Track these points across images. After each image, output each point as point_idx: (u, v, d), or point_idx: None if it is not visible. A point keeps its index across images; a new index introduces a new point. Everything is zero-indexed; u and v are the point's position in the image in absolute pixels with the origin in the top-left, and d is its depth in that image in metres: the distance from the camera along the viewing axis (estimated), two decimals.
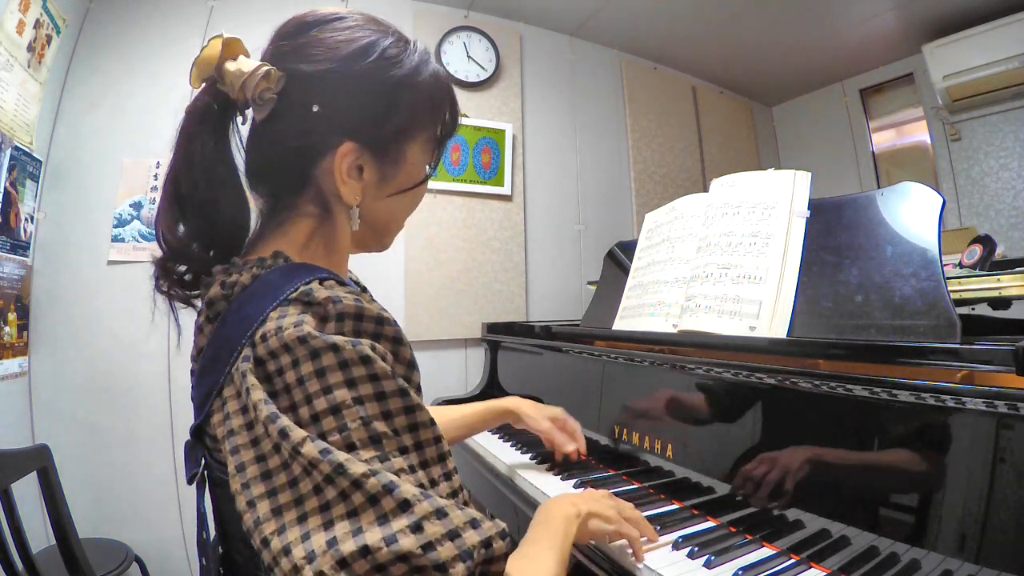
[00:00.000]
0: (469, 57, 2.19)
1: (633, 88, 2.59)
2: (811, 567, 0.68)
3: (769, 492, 0.77)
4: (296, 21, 0.54)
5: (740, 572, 0.66)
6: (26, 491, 0.96)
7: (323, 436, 0.40)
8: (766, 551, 0.73)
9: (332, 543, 0.36)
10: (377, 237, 0.62)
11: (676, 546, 0.74)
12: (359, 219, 0.57)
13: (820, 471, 0.72)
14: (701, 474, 0.90)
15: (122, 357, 1.60)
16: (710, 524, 0.83)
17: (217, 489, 0.51)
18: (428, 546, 0.37)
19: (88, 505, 1.48)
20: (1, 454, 0.93)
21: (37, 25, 1.41)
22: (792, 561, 0.70)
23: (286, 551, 0.37)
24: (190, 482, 0.51)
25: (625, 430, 1.07)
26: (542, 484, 1.01)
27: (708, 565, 0.69)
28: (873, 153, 2.72)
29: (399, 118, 0.54)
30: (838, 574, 0.65)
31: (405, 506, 0.38)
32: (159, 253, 0.53)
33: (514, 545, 0.46)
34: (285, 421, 0.40)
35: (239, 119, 0.55)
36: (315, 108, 0.51)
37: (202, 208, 0.52)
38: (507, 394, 1.68)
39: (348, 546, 0.36)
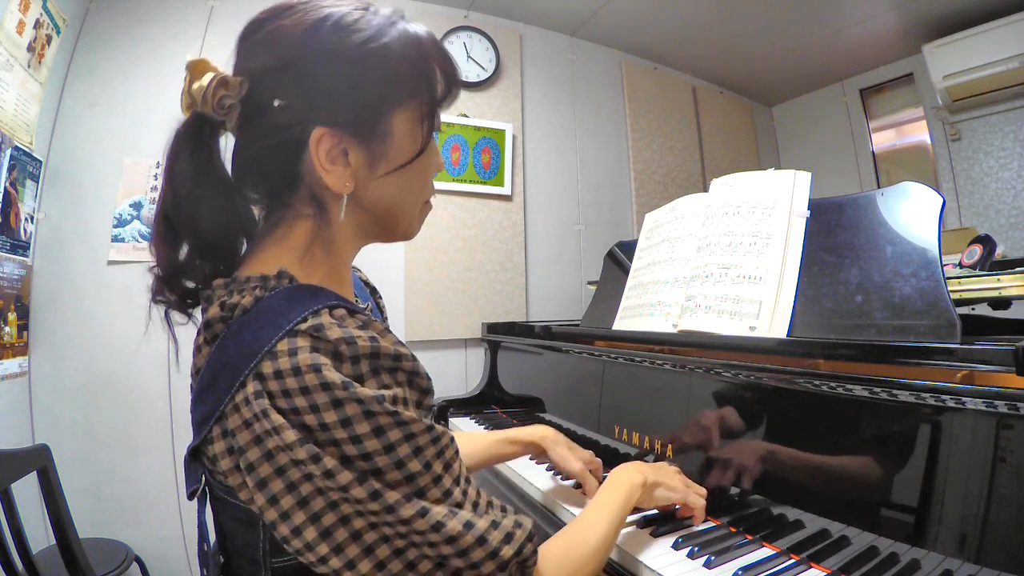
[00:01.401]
0: (469, 57, 2.19)
1: (633, 88, 2.59)
2: (811, 567, 0.68)
3: (769, 492, 0.77)
4: (252, 22, 0.51)
5: (740, 572, 0.66)
6: (26, 491, 0.96)
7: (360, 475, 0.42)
8: (766, 551, 0.73)
9: (399, 553, 0.43)
10: (388, 224, 0.57)
11: (676, 546, 0.74)
12: (359, 206, 0.53)
13: (820, 471, 0.72)
14: (701, 474, 0.89)
15: (122, 357, 1.59)
16: (710, 524, 0.82)
17: (217, 504, 0.51)
18: (473, 566, 0.44)
19: (88, 505, 1.48)
20: (1, 454, 0.93)
21: (37, 25, 1.41)
22: (792, 561, 0.70)
23: (350, 566, 0.42)
24: (190, 498, 0.50)
25: (625, 430, 1.07)
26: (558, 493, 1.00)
27: (708, 565, 0.69)
28: (873, 153, 2.72)
29: (369, 89, 0.49)
30: (838, 574, 0.65)
31: (451, 540, 0.43)
32: (157, 271, 0.52)
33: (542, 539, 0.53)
34: (330, 462, 0.41)
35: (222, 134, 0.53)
36: (277, 103, 0.48)
37: (189, 224, 0.50)
38: (507, 394, 1.69)
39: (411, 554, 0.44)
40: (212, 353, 0.47)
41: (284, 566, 0.47)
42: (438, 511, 0.43)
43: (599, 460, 0.96)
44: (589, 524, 0.62)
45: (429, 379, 0.49)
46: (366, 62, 0.49)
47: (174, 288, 0.52)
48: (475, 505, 0.47)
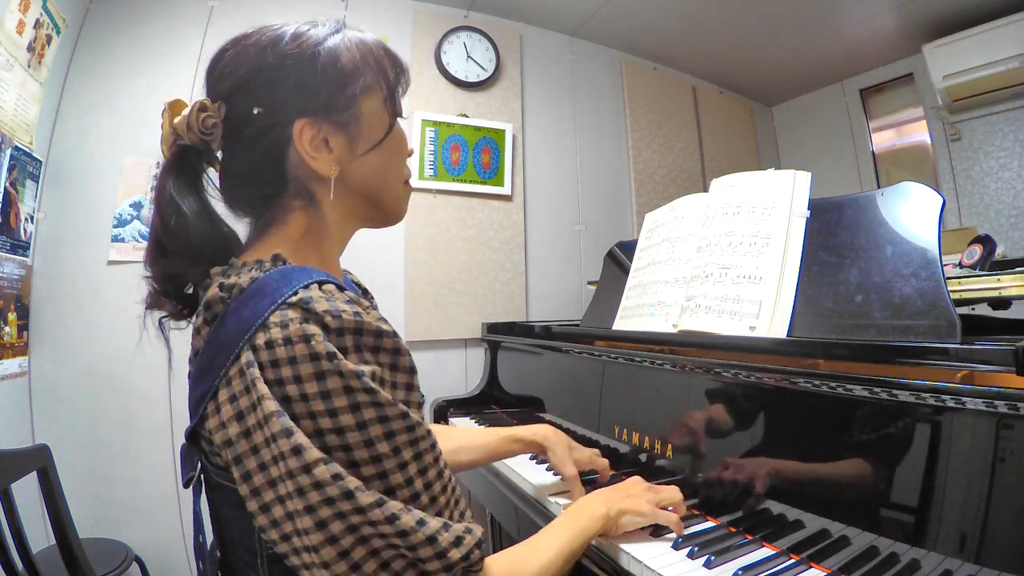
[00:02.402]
0: (469, 57, 2.19)
1: (633, 88, 2.59)
2: (811, 567, 0.68)
3: (769, 492, 0.77)
4: (215, 54, 0.56)
5: (740, 572, 0.66)
6: (26, 491, 0.96)
7: (327, 452, 0.43)
8: (766, 551, 0.73)
9: (344, 554, 0.43)
10: (376, 201, 0.61)
11: (676, 546, 0.74)
12: (346, 188, 0.58)
13: (820, 471, 0.72)
14: (701, 474, 0.90)
15: (122, 357, 1.59)
16: (710, 524, 0.83)
17: (214, 492, 0.52)
18: (420, 561, 0.45)
19: (88, 505, 1.48)
20: (1, 454, 0.93)
21: (37, 25, 1.41)
22: (792, 561, 0.70)
23: (312, 549, 0.43)
24: (186, 486, 0.52)
25: (625, 430, 1.07)
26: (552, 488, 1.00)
27: (708, 565, 0.69)
28: (873, 153, 2.72)
29: (334, 80, 0.55)
30: (838, 574, 0.65)
31: (403, 534, 0.44)
32: (153, 283, 0.55)
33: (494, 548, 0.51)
34: (300, 438, 0.42)
35: (205, 164, 0.58)
36: (256, 111, 0.53)
37: (182, 244, 0.53)
38: (507, 394, 1.69)
39: (359, 552, 0.44)
40: (211, 333, 0.48)
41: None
42: (394, 504, 0.44)
43: (604, 460, 0.96)
44: (537, 549, 0.62)
45: (411, 358, 0.50)
46: (326, 59, 0.55)
47: (170, 297, 0.56)
48: (433, 500, 0.48)
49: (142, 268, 0.55)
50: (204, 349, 0.49)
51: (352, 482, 0.43)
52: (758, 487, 0.79)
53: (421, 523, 0.45)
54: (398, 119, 0.61)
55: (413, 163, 2.03)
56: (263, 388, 0.43)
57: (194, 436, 0.51)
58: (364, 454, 0.44)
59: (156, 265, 0.54)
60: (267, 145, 0.55)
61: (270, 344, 0.44)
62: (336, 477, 0.42)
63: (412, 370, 0.49)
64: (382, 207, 0.62)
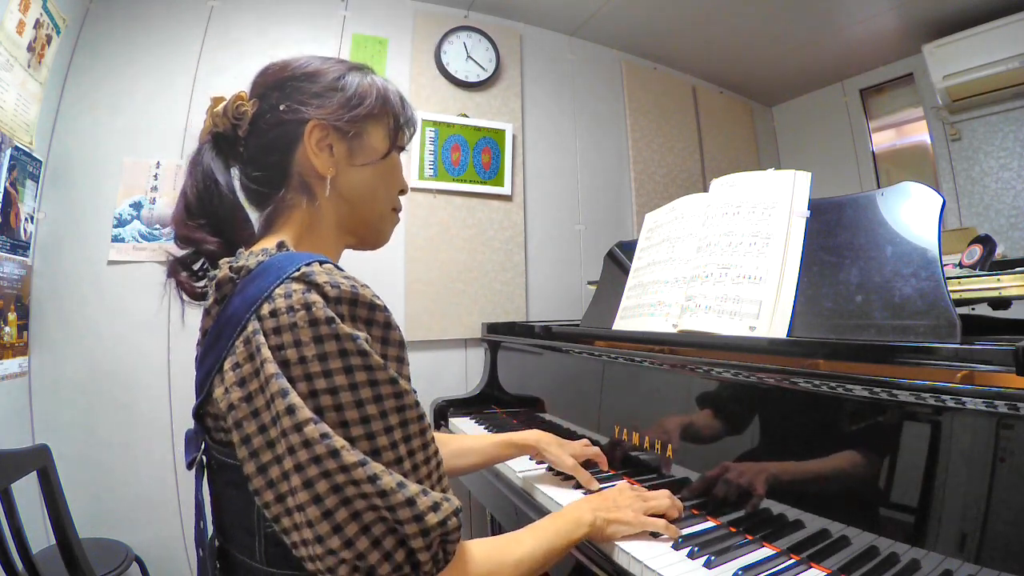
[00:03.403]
0: (469, 57, 2.19)
1: (633, 88, 2.59)
2: (811, 567, 0.68)
3: (769, 492, 0.77)
4: (264, 66, 0.67)
5: (740, 572, 0.66)
6: (26, 491, 0.96)
7: (319, 411, 0.46)
8: (766, 551, 0.73)
9: (327, 514, 0.45)
10: (362, 217, 0.68)
11: (676, 546, 0.74)
12: (339, 194, 0.65)
13: (820, 471, 0.72)
14: (701, 474, 0.89)
15: (122, 357, 1.59)
16: (710, 524, 0.83)
17: (216, 475, 0.55)
18: (399, 524, 0.46)
19: (88, 505, 1.48)
20: (1, 454, 0.93)
21: (37, 25, 1.41)
22: (792, 561, 0.70)
23: (299, 508, 0.46)
24: (189, 467, 0.55)
25: (625, 430, 1.07)
26: (556, 495, 0.99)
27: (708, 565, 0.69)
28: (873, 153, 2.72)
29: (350, 99, 0.64)
30: (838, 574, 0.65)
31: (383, 495, 0.45)
32: (176, 252, 0.61)
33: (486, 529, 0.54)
34: (295, 398, 0.45)
35: (232, 156, 0.66)
36: (282, 107, 0.62)
37: (205, 208, 0.61)
38: (507, 394, 1.69)
39: (341, 513, 0.46)
40: (219, 312, 0.53)
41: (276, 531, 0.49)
42: (376, 465, 0.46)
43: (594, 448, 1.04)
44: (518, 540, 0.64)
45: (400, 330, 0.53)
46: (348, 81, 0.65)
47: (189, 266, 0.62)
48: (415, 467, 0.50)
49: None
50: (212, 327, 0.53)
51: (338, 441, 0.45)
52: (758, 487, 0.79)
53: (401, 485, 0.46)
54: (398, 155, 0.70)
55: (413, 163, 2.03)
56: (266, 353, 0.46)
57: (199, 415, 0.53)
58: (354, 415, 0.47)
59: (183, 226, 0.60)
60: (281, 134, 0.63)
61: (274, 313, 0.47)
62: (324, 436, 0.45)
63: (402, 344, 0.53)
64: (366, 221, 0.69)
